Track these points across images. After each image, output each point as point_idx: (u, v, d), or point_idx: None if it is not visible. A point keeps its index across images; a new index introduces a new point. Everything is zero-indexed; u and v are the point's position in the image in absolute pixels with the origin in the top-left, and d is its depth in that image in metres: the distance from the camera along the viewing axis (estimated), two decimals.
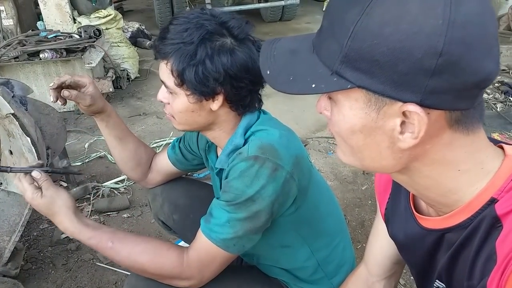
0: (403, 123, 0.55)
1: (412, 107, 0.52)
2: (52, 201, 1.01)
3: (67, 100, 1.16)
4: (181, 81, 0.97)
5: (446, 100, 0.52)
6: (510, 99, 3.46)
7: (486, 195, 0.60)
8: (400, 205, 0.79)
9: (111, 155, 2.51)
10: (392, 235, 0.85)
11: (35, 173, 1.02)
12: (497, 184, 0.59)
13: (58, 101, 1.14)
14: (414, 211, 0.74)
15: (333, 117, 0.61)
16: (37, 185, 1.03)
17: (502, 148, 0.64)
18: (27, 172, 1.04)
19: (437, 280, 0.73)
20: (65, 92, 1.13)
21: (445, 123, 0.55)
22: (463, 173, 0.60)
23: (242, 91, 1.00)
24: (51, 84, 1.13)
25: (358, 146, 0.60)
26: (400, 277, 1.03)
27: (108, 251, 1.02)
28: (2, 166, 1.07)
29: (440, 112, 0.54)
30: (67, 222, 1.00)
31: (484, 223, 0.60)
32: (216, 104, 1.01)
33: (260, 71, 0.96)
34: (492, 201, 0.59)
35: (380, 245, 0.96)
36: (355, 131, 0.58)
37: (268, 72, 0.62)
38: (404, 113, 0.54)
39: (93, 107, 1.19)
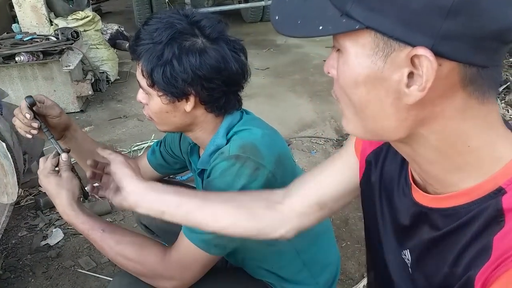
0: (410, 75, 0.51)
1: (422, 51, 0.48)
2: (67, 181, 1.04)
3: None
4: (152, 81, 0.96)
5: (461, 49, 0.47)
6: None
7: (493, 183, 0.54)
8: (394, 163, 0.72)
9: None
10: (364, 181, 0.79)
11: (64, 156, 1.06)
12: (508, 173, 0.53)
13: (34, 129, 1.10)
14: (412, 181, 0.68)
15: (338, 71, 0.57)
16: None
17: None
18: (58, 152, 1.08)
19: (407, 251, 0.69)
20: (37, 105, 1.09)
21: (458, 81, 0.50)
22: (472, 151, 0.55)
23: (215, 92, 0.99)
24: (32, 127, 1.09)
25: (361, 102, 0.56)
26: (307, 227, 0.90)
27: (98, 239, 1.01)
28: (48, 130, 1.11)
29: (453, 66, 0.49)
30: (67, 205, 1.03)
31: (485, 214, 0.54)
32: (189, 105, 0.99)
33: (233, 72, 0.97)
34: (499, 191, 0.53)
35: (330, 180, 0.87)
36: (359, 83, 0.54)
37: (277, 18, 0.58)
38: (412, 61, 0.49)
39: (62, 118, 1.18)
